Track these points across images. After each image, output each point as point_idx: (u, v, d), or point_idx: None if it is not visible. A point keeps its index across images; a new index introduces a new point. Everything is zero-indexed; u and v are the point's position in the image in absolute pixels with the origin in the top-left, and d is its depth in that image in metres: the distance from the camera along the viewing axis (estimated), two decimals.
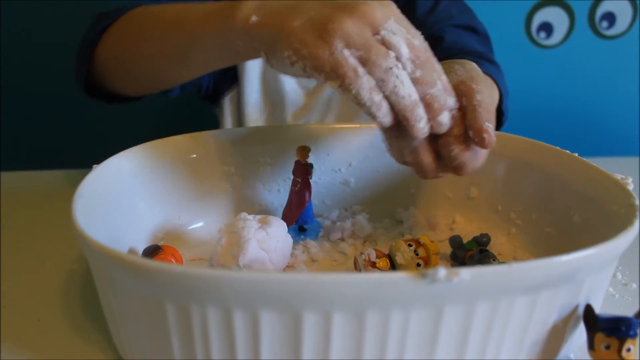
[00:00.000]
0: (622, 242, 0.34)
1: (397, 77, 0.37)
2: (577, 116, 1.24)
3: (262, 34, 0.40)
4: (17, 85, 1.12)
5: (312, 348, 0.31)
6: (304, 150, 0.52)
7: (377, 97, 0.37)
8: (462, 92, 0.41)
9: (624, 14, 1.15)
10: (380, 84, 0.37)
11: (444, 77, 0.39)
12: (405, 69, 0.37)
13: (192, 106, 1.14)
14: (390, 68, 0.36)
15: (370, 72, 0.37)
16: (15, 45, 1.09)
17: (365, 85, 0.37)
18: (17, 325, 0.43)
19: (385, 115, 0.38)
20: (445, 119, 0.39)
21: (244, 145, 0.55)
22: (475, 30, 0.75)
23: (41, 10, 1.07)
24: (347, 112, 0.78)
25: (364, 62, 0.37)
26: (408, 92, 0.37)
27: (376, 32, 0.37)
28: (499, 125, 0.69)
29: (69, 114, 1.16)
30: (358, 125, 0.57)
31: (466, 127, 0.40)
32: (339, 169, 0.57)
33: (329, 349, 0.31)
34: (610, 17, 1.16)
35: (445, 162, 0.41)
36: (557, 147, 0.50)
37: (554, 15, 1.16)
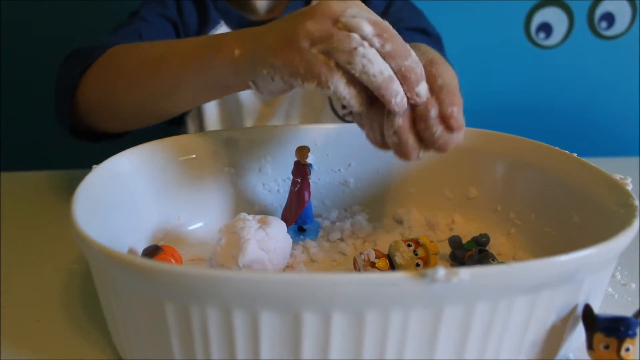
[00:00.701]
0: (621, 242, 0.34)
1: (364, 56, 0.37)
2: (577, 116, 1.24)
3: (245, 63, 0.42)
4: (17, 85, 1.12)
5: (311, 348, 0.31)
6: (303, 151, 0.52)
7: (354, 90, 0.38)
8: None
9: (623, 15, 1.15)
10: (349, 68, 0.37)
11: (413, 52, 0.39)
12: (374, 45, 0.37)
13: None
14: (355, 48, 0.37)
15: (337, 60, 0.37)
16: (15, 45, 1.09)
17: (341, 78, 0.37)
18: (17, 325, 0.43)
19: (362, 104, 0.39)
20: (423, 89, 0.39)
21: (244, 145, 0.55)
22: (426, 32, 0.75)
23: (41, 10, 1.07)
24: (307, 119, 0.78)
25: (328, 51, 0.37)
26: (379, 69, 0.37)
27: (337, 22, 0.38)
28: None
29: None
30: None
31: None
32: (339, 169, 0.57)
33: (329, 349, 0.31)
34: (609, 18, 1.16)
35: (427, 142, 0.40)
36: (557, 147, 0.50)
37: (553, 15, 1.16)
